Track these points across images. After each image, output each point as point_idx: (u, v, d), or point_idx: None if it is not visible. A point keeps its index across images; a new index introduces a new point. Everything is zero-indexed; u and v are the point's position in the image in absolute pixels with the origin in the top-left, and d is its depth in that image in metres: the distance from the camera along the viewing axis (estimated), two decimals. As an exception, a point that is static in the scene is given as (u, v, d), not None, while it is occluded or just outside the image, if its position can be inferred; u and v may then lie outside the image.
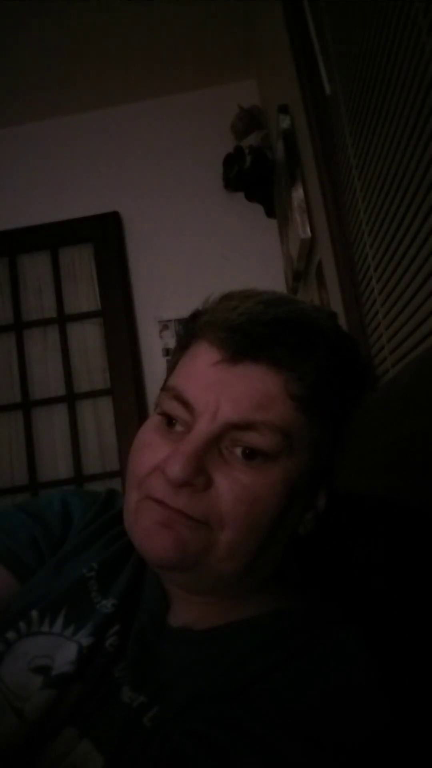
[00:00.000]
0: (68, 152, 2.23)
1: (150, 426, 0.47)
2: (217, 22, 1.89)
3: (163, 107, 2.23)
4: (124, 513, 0.47)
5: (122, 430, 2.04)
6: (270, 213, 2.03)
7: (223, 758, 0.36)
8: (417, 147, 0.66)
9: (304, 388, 0.43)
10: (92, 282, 2.19)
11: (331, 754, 0.35)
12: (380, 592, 0.49)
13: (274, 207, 1.97)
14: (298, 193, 1.40)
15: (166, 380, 0.50)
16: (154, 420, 0.47)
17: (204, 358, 0.45)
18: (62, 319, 2.17)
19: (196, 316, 0.50)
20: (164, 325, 2.10)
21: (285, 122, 1.46)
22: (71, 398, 2.13)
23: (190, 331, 0.49)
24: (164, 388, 0.48)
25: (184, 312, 0.52)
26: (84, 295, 2.19)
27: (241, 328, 0.43)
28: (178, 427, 0.45)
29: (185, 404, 0.44)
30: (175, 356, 0.51)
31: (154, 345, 2.11)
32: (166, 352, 2.07)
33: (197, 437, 0.42)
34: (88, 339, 2.17)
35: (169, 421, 0.46)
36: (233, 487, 0.42)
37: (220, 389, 0.43)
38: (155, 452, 0.44)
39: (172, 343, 2.05)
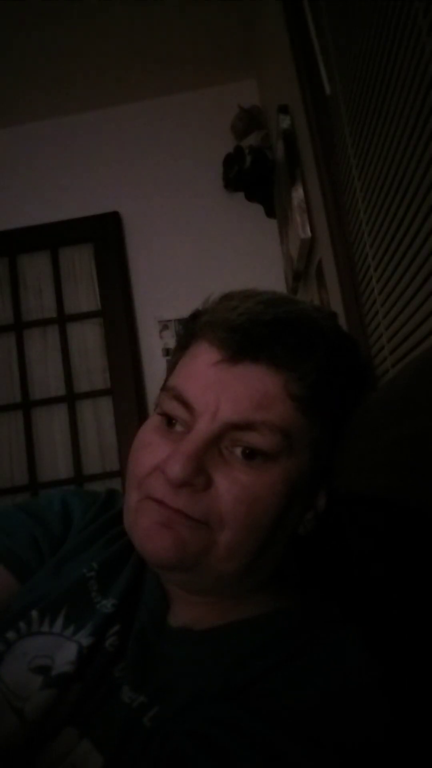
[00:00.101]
0: (68, 152, 2.23)
1: (150, 426, 0.47)
2: (217, 22, 1.89)
3: (163, 107, 2.23)
4: (124, 513, 0.47)
5: (122, 430, 2.04)
6: (270, 213, 2.04)
7: (223, 758, 0.36)
8: (417, 147, 0.66)
9: (304, 388, 0.43)
10: (92, 282, 2.19)
11: (331, 754, 0.35)
12: (380, 591, 0.49)
13: (274, 207, 1.97)
14: (298, 193, 1.40)
15: (166, 380, 0.50)
16: (154, 420, 0.47)
17: (204, 358, 0.45)
18: (62, 319, 2.17)
19: (196, 316, 0.50)
20: (164, 325, 2.10)
21: (285, 122, 1.46)
22: (71, 398, 2.13)
23: (190, 331, 0.49)
24: (164, 388, 0.48)
25: (184, 312, 0.52)
26: (84, 295, 2.19)
27: (241, 328, 0.43)
28: (178, 427, 0.45)
29: (185, 404, 0.44)
30: (175, 356, 0.51)
31: (154, 345, 2.11)
32: (166, 352, 2.07)
33: (197, 437, 0.42)
34: (88, 339, 2.17)
35: (169, 421, 0.46)
36: (233, 487, 0.42)
37: (220, 389, 0.43)
38: (155, 452, 0.44)
39: (172, 343, 2.05)
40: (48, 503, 0.58)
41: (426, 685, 0.40)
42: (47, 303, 2.20)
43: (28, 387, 2.15)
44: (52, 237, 2.19)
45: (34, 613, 0.48)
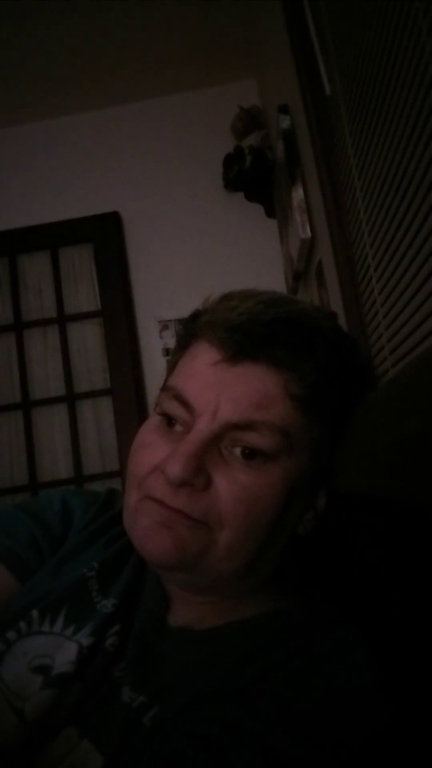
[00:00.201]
0: (68, 152, 2.23)
1: (150, 426, 0.47)
2: (217, 22, 1.89)
3: (163, 107, 2.23)
4: (123, 513, 0.47)
5: (122, 430, 2.05)
6: (270, 213, 2.04)
7: (223, 758, 0.36)
8: (417, 147, 0.66)
9: (304, 388, 0.43)
10: (92, 282, 2.20)
11: (331, 754, 0.35)
12: (380, 592, 0.49)
13: (274, 207, 1.97)
14: (298, 193, 1.40)
15: (166, 380, 0.50)
16: (153, 420, 0.47)
17: (204, 358, 0.45)
18: (62, 319, 2.17)
19: (196, 316, 0.50)
20: (164, 325, 2.10)
21: (285, 122, 1.46)
22: (71, 398, 2.13)
23: (190, 331, 0.49)
24: (164, 388, 0.48)
25: (184, 312, 0.52)
26: (84, 295, 2.19)
27: (241, 328, 0.43)
28: (178, 427, 0.45)
29: (185, 404, 0.44)
30: (174, 356, 0.51)
31: (154, 345, 2.11)
32: (166, 352, 2.07)
33: (197, 437, 0.42)
34: (88, 339, 2.17)
35: (169, 421, 0.46)
36: (233, 487, 0.42)
37: (219, 389, 0.43)
38: (155, 452, 0.44)
39: (172, 343, 2.05)
40: (48, 503, 0.58)
41: (426, 685, 0.40)
42: (47, 303, 2.20)
43: (28, 387, 2.15)
44: (52, 237, 2.19)
45: (35, 613, 0.48)
